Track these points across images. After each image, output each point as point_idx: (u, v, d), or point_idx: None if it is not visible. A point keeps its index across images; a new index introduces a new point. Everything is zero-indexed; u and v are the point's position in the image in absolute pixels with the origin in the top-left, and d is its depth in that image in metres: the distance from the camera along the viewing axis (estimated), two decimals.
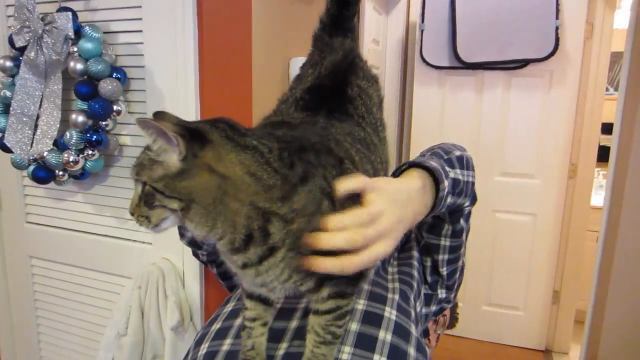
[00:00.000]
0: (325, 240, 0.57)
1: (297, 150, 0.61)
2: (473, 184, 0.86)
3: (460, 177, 0.80)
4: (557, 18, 2.53)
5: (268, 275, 0.60)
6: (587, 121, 2.71)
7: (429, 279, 0.97)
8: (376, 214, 0.61)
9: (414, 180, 0.70)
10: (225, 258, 0.64)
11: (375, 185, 0.63)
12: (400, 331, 0.75)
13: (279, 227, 0.57)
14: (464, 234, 0.94)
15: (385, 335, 0.73)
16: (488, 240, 2.92)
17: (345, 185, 0.60)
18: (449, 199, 0.77)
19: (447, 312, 1.29)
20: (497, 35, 2.63)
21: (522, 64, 2.66)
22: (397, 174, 0.75)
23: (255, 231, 0.57)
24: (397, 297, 0.82)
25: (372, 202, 0.61)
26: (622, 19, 3.07)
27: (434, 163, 0.74)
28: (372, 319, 0.75)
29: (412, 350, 0.73)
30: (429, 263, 0.96)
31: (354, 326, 0.74)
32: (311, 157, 0.61)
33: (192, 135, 0.55)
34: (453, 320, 1.44)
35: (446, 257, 0.94)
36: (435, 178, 0.72)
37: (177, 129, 0.54)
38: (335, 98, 0.77)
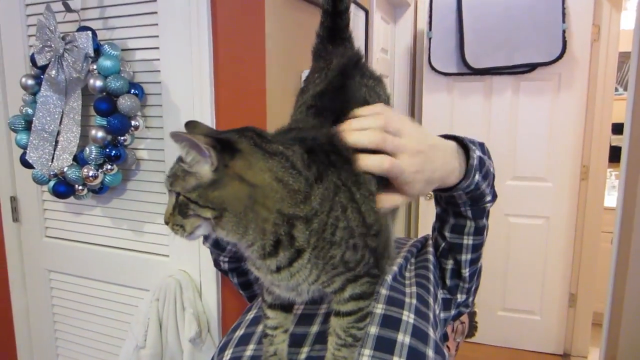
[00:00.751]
0: (350, 136, 0.65)
1: (310, 150, 0.63)
2: (494, 175, 0.90)
3: (485, 159, 0.83)
4: (563, 21, 2.55)
5: (300, 276, 0.62)
6: (597, 122, 2.71)
7: (448, 282, 0.98)
8: (396, 129, 0.67)
9: (447, 141, 0.76)
10: (252, 266, 0.65)
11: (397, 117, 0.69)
12: (419, 334, 0.76)
13: (302, 229, 0.59)
14: (485, 232, 0.95)
15: (404, 338, 0.74)
16: (502, 245, 2.91)
17: (359, 140, 0.65)
18: (477, 177, 0.80)
19: (465, 320, 1.29)
20: (504, 40, 2.65)
21: (530, 68, 2.67)
22: None
23: (282, 236, 0.59)
24: (414, 301, 0.83)
25: (392, 121, 0.68)
26: (628, 20, 3.08)
27: (465, 138, 0.79)
28: (391, 323, 0.77)
29: (430, 352, 0.75)
30: (449, 266, 0.98)
31: (373, 330, 0.75)
32: (322, 156, 0.64)
33: (223, 146, 0.57)
34: (472, 329, 1.44)
35: (469, 256, 0.95)
36: (466, 147, 0.77)
37: (208, 140, 0.55)
38: (345, 99, 0.79)
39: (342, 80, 0.79)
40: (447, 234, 0.96)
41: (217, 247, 1.08)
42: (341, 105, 0.73)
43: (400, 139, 0.67)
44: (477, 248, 0.95)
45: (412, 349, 0.73)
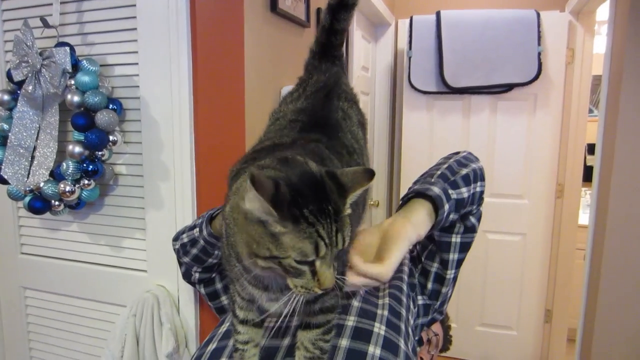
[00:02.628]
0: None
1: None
2: (481, 192, 0.97)
3: (465, 195, 0.90)
4: (539, 44, 2.63)
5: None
6: (572, 142, 2.79)
7: (429, 285, 1.00)
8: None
9: (419, 213, 0.84)
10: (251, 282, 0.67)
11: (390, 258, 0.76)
12: (389, 346, 0.78)
13: None
14: (474, 233, 1.00)
15: (374, 350, 0.75)
16: (480, 261, 2.95)
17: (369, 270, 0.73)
18: (452, 216, 0.88)
19: (440, 333, 1.31)
20: (482, 61, 2.71)
21: (507, 88, 2.74)
22: (404, 200, 0.87)
23: None
24: (386, 312, 0.85)
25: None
26: (601, 45, 3.17)
27: (436, 189, 0.85)
28: (362, 335, 0.78)
29: None
30: (434, 269, 1.00)
31: (344, 342, 0.76)
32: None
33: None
34: (447, 343, 1.45)
35: (456, 256, 0.98)
36: (437, 205, 0.84)
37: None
38: (324, 121, 0.82)
39: (324, 101, 0.84)
40: (436, 232, 0.98)
41: (197, 261, 1.10)
42: (321, 124, 0.80)
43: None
44: (465, 247, 0.98)
45: None
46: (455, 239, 0.97)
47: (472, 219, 0.98)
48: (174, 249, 1.16)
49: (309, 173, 0.58)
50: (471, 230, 0.98)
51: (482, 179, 0.98)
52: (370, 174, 0.61)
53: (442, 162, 0.98)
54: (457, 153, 1.03)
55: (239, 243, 0.60)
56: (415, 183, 0.92)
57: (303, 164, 0.60)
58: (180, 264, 1.17)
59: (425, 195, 0.85)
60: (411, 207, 0.85)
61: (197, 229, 1.06)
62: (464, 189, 0.90)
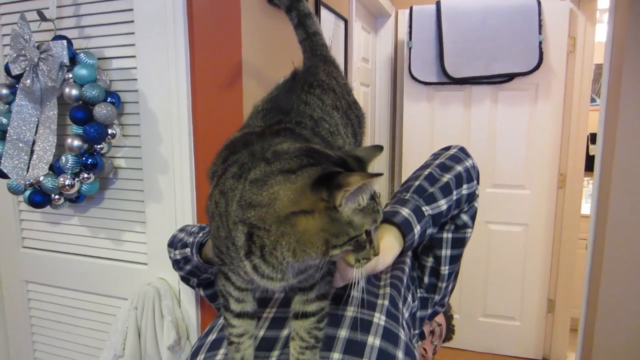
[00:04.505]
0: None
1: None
2: (469, 195, 0.94)
3: (443, 207, 0.88)
4: (540, 33, 2.61)
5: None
6: (574, 132, 2.77)
7: (426, 279, 1.00)
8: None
9: (385, 240, 0.79)
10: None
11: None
12: (389, 336, 0.78)
13: None
14: (468, 230, 0.98)
15: (374, 341, 0.75)
16: (482, 252, 2.95)
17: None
18: (429, 230, 0.87)
19: (443, 323, 1.31)
20: (482, 51, 2.70)
21: (508, 78, 2.72)
22: None
23: None
24: (386, 302, 0.85)
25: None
26: (603, 32, 3.15)
27: (405, 212, 0.83)
28: (362, 325, 0.78)
29: (400, 354, 0.76)
30: (429, 263, 0.99)
31: (343, 333, 0.76)
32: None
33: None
34: (449, 332, 1.45)
35: (449, 252, 0.97)
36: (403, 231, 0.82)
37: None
38: (288, 107, 0.83)
39: (288, 87, 0.88)
40: None
41: (193, 275, 1.10)
42: (281, 108, 0.82)
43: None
44: (458, 243, 0.97)
45: (382, 351, 0.75)
46: (447, 235, 0.97)
47: (464, 217, 0.96)
48: (169, 257, 1.15)
49: (336, 157, 0.62)
50: (463, 227, 0.97)
51: (472, 179, 0.95)
52: (380, 148, 0.68)
53: (426, 165, 0.96)
54: (448, 149, 1.01)
55: (301, 249, 0.59)
56: (394, 196, 0.91)
57: (325, 153, 0.63)
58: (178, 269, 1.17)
59: (391, 221, 0.83)
60: (383, 232, 0.83)
61: (189, 250, 1.05)
62: (442, 201, 0.88)
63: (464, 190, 0.92)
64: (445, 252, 0.97)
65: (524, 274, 2.91)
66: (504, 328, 3.00)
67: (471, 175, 0.95)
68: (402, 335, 0.80)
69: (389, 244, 0.79)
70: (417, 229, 0.83)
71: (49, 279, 1.63)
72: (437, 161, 0.95)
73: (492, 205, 2.89)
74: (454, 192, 0.90)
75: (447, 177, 0.91)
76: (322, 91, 0.89)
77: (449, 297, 1.07)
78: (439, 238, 0.97)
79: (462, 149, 1.00)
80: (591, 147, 2.96)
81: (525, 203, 2.85)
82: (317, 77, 0.92)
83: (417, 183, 0.90)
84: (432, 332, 1.27)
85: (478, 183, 0.97)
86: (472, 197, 0.95)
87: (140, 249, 1.48)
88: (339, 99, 0.92)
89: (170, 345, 1.35)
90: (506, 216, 2.89)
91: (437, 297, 1.02)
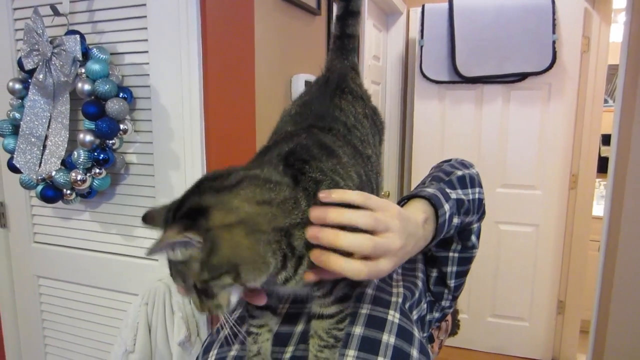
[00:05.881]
0: (339, 240, 0.57)
1: (287, 157, 0.64)
2: (480, 200, 0.88)
3: (463, 196, 0.81)
4: (554, 32, 2.58)
5: (301, 281, 0.61)
6: (587, 132, 2.75)
7: (432, 288, 0.99)
8: (384, 228, 0.60)
9: (418, 214, 0.71)
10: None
11: (381, 205, 0.62)
12: (404, 334, 0.77)
13: (299, 235, 0.59)
14: (475, 250, 0.94)
15: (388, 338, 0.75)
16: (492, 252, 2.93)
17: (345, 195, 0.60)
18: (455, 220, 0.78)
19: (449, 318, 1.30)
20: (495, 49, 2.68)
21: (521, 77, 2.70)
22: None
23: (285, 250, 0.59)
24: (400, 300, 0.84)
25: (381, 219, 0.61)
26: (618, 33, 3.12)
27: (431, 190, 0.75)
28: (376, 323, 0.77)
29: (415, 352, 0.75)
30: (434, 274, 0.98)
31: (358, 330, 0.75)
32: (297, 158, 0.64)
33: (193, 218, 0.55)
34: (454, 327, 1.45)
35: (455, 269, 0.95)
36: (434, 205, 0.74)
37: (179, 228, 0.54)
38: (321, 112, 0.81)
39: (323, 92, 0.84)
40: (432, 247, 0.95)
41: None
42: (317, 115, 0.78)
43: (387, 239, 0.61)
44: (463, 262, 0.95)
45: (397, 349, 0.74)
46: (453, 254, 0.93)
47: (474, 238, 0.91)
48: None
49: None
50: (471, 248, 0.93)
51: (479, 185, 0.89)
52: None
53: (435, 168, 0.92)
54: (448, 160, 0.96)
55: None
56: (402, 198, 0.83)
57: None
58: None
59: (419, 196, 0.75)
60: (410, 207, 0.74)
61: None
62: (460, 191, 0.81)
63: (477, 194, 0.87)
64: (452, 269, 0.94)
65: (534, 275, 2.89)
66: (513, 329, 2.98)
67: (480, 182, 0.90)
68: (416, 333, 0.80)
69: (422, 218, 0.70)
70: (447, 206, 0.75)
71: (60, 274, 1.63)
72: (443, 165, 0.92)
73: (503, 205, 2.87)
74: (470, 190, 0.85)
75: (460, 172, 0.87)
76: (354, 98, 0.88)
77: (456, 300, 1.05)
78: (444, 257, 0.93)
79: (463, 160, 0.96)
80: (603, 148, 2.94)
81: (536, 203, 2.83)
82: (348, 83, 0.90)
83: (431, 177, 0.86)
84: (438, 327, 1.26)
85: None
86: (481, 205, 0.90)
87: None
88: (367, 107, 0.91)
89: (180, 341, 1.35)
90: (517, 216, 2.87)
91: (445, 303, 1.00)
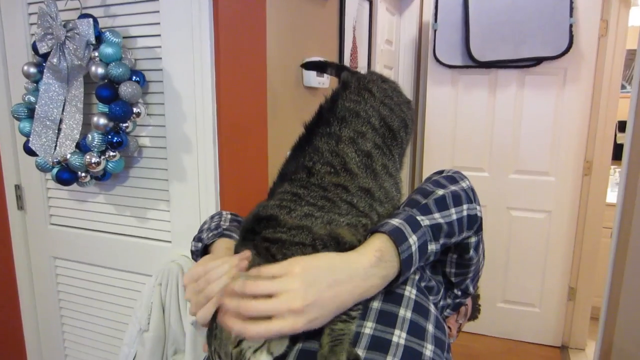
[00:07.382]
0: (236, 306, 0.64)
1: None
2: (470, 216, 0.83)
3: (440, 220, 0.77)
4: (571, 15, 2.53)
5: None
6: (602, 118, 2.70)
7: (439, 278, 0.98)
8: (279, 291, 0.63)
9: (366, 255, 0.70)
10: None
11: (279, 271, 0.66)
12: (420, 309, 0.78)
13: None
14: (473, 260, 0.91)
15: (405, 313, 0.76)
16: (503, 238, 2.92)
17: (246, 287, 0.65)
18: (432, 246, 0.76)
19: (468, 302, 1.30)
20: (510, 33, 2.64)
21: (536, 62, 2.66)
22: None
23: None
24: (417, 277, 0.84)
25: (275, 284, 0.65)
26: (637, 16, 3.05)
27: (396, 222, 0.73)
28: (393, 298, 0.78)
29: (430, 327, 0.76)
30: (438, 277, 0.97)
31: (376, 304, 0.76)
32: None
33: None
34: (475, 312, 1.44)
35: (453, 270, 0.94)
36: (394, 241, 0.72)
37: None
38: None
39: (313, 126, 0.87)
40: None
41: None
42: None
43: (282, 300, 0.63)
44: (461, 267, 0.92)
45: (414, 322, 0.75)
46: (452, 254, 0.90)
47: (471, 252, 0.87)
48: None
49: None
50: (468, 261, 0.90)
51: (471, 200, 0.84)
52: None
53: (415, 189, 0.87)
54: (441, 172, 0.92)
55: None
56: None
57: None
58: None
59: (377, 231, 0.73)
60: (366, 245, 0.72)
61: (201, 245, 0.98)
62: (437, 215, 0.77)
63: (463, 211, 0.82)
64: (450, 270, 0.92)
65: (545, 261, 2.88)
66: (523, 314, 2.98)
67: (470, 197, 0.85)
68: (432, 309, 0.81)
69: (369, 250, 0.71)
70: (413, 239, 0.72)
71: (76, 255, 1.67)
72: (430, 180, 0.88)
73: (515, 191, 2.85)
74: (453, 210, 0.80)
75: (441, 192, 0.82)
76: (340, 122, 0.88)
77: (475, 285, 1.04)
78: (442, 260, 0.91)
79: (457, 172, 0.91)
80: (619, 135, 2.89)
81: (549, 190, 2.81)
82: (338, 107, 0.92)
83: (408, 199, 0.83)
84: (457, 311, 1.26)
85: (480, 206, 0.87)
86: (474, 221, 0.85)
87: (165, 227, 1.50)
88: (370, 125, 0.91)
89: (193, 322, 1.37)
90: (529, 202, 2.85)
91: (458, 292, 1.00)
